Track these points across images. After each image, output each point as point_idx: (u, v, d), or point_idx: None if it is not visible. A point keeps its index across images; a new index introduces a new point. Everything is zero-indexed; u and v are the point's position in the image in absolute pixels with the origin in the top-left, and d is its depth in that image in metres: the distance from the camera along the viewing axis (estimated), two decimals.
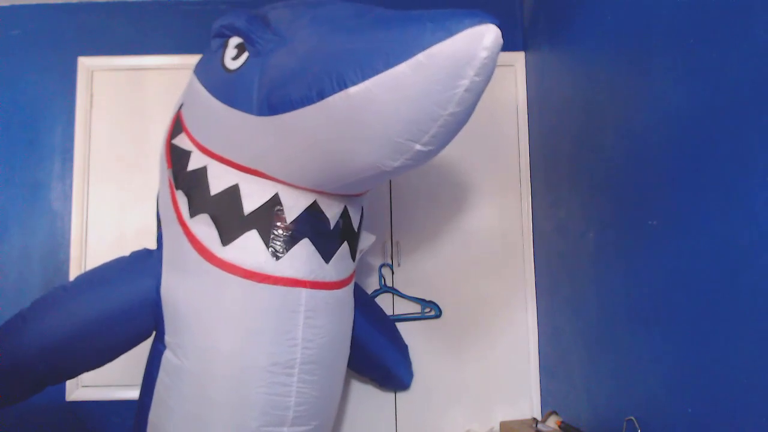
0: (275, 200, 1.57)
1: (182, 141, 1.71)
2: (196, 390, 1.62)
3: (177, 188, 1.69)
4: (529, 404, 2.54)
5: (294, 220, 1.58)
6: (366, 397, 2.54)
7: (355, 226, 1.77)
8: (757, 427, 1.16)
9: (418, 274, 2.46)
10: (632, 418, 1.64)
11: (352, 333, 1.92)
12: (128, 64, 2.64)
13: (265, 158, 1.53)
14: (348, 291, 1.80)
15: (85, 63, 2.65)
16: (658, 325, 1.54)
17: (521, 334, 2.59)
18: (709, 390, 1.32)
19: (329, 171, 1.45)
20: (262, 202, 1.57)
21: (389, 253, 2.58)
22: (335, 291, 1.69)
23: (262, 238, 1.56)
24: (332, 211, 1.65)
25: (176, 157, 1.71)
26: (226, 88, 1.52)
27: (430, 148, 1.29)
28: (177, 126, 1.76)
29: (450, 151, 2.65)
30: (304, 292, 1.59)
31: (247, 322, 1.58)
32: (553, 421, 2.19)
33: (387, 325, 2.38)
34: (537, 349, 2.56)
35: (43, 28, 2.66)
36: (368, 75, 1.20)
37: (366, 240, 1.95)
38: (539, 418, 2.37)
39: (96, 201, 2.59)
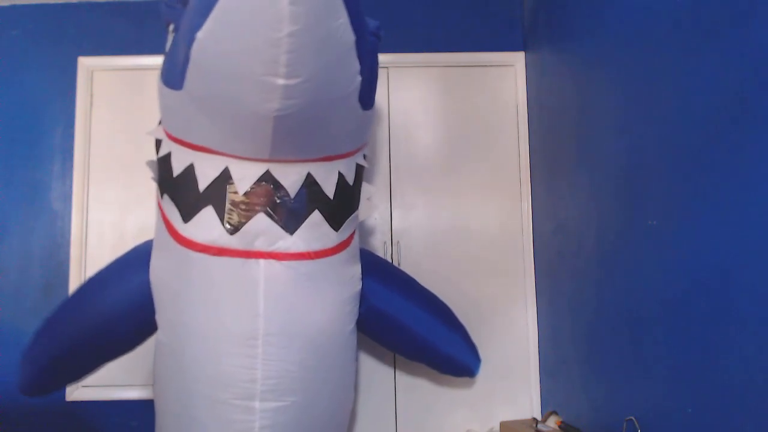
0: (226, 174, 1.58)
1: (158, 132, 1.80)
2: (175, 364, 1.66)
3: (156, 175, 1.79)
4: (529, 404, 2.54)
5: (246, 192, 1.58)
6: (366, 397, 2.54)
7: (329, 192, 1.67)
8: (757, 427, 1.16)
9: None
10: (632, 418, 1.64)
11: (392, 313, 1.98)
12: (128, 64, 2.64)
13: (202, 132, 1.55)
14: (328, 262, 1.71)
15: (85, 63, 2.65)
16: (657, 325, 1.54)
17: (521, 334, 2.59)
18: (709, 390, 1.32)
19: (235, 127, 1.46)
20: (214, 178, 1.59)
21: (389, 253, 2.58)
22: (306, 261, 1.64)
23: (217, 213, 1.59)
24: (290, 179, 1.60)
25: (156, 148, 1.79)
26: (165, 71, 1.60)
27: (295, 80, 1.24)
28: (160, 123, 1.84)
29: (450, 151, 2.66)
30: (262, 263, 1.59)
31: (207, 295, 1.61)
32: (553, 421, 2.19)
33: (435, 305, 2.29)
34: (537, 349, 2.56)
35: (43, 28, 2.66)
36: (206, 15, 1.20)
37: (366, 210, 1.93)
38: (539, 418, 2.37)
39: (96, 201, 2.59)
